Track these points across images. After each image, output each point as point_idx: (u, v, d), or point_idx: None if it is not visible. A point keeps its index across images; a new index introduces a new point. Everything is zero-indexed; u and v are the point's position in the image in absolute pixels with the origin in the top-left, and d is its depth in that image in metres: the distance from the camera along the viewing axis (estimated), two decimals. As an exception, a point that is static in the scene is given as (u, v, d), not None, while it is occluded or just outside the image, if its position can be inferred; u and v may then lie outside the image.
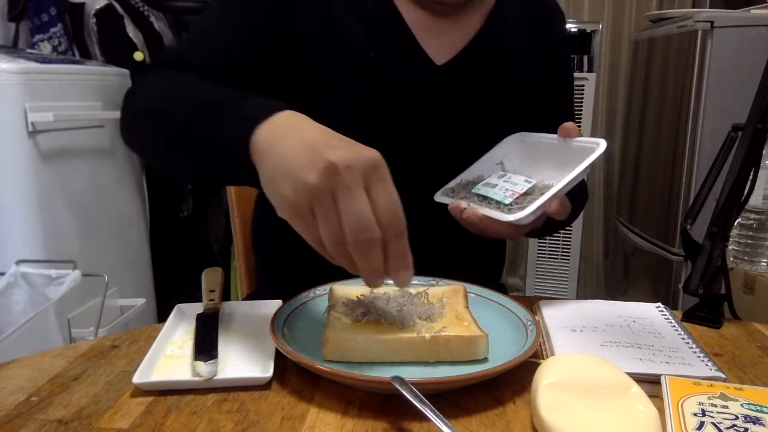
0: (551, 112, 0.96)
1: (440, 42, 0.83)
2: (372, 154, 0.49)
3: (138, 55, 1.99)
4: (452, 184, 0.79)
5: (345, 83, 0.79)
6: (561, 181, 0.67)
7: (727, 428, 0.46)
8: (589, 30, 2.07)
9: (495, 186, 0.72)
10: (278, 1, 0.77)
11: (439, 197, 0.77)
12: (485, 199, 0.71)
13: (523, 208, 0.66)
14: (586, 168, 0.68)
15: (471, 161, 0.83)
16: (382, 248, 0.49)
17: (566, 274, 2.26)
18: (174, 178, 0.89)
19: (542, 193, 0.68)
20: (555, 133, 0.99)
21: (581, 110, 2.10)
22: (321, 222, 0.48)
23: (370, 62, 0.79)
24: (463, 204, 0.71)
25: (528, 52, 0.89)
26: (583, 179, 0.76)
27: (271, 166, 0.53)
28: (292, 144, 0.51)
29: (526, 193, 0.69)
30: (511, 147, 0.82)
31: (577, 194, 0.79)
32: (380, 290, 0.67)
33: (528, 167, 0.78)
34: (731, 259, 1.01)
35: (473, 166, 0.81)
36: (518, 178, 0.72)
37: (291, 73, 0.79)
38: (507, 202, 0.68)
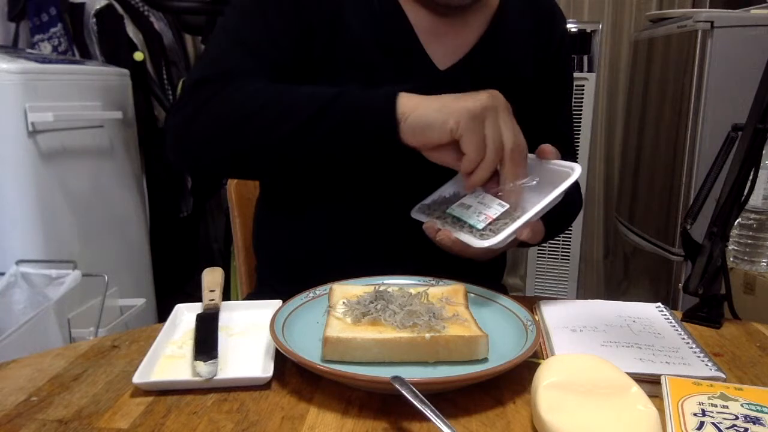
0: (550, 113, 0.96)
1: (444, 46, 0.83)
2: (501, 96, 0.70)
3: (138, 55, 1.99)
4: (429, 200, 0.79)
5: (348, 84, 0.79)
6: (532, 209, 0.69)
7: (727, 428, 0.46)
8: (589, 30, 2.06)
9: (469, 207, 0.73)
10: (287, 11, 0.78)
11: (416, 213, 0.77)
12: (459, 221, 0.72)
13: (495, 233, 0.68)
14: (560, 194, 0.69)
15: None
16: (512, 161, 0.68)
17: (566, 274, 2.26)
18: (255, 173, 0.91)
19: (513, 218, 0.69)
20: (551, 136, 0.99)
21: (581, 110, 2.10)
22: (491, 131, 0.67)
23: (374, 65, 0.79)
24: (438, 224, 0.72)
25: (529, 53, 0.89)
26: (577, 182, 0.76)
27: (432, 105, 0.68)
28: (435, 99, 0.69)
29: (498, 218, 0.70)
30: None
31: (569, 201, 0.79)
32: (380, 287, 0.67)
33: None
34: (731, 259, 1.01)
35: (451, 181, 0.80)
36: (492, 201, 0.73)
37: (303, 69, 0.79)
38: (480, 227, 0.69)
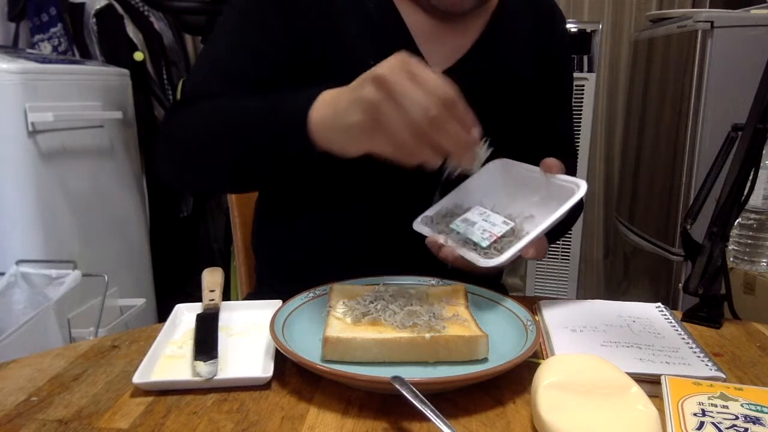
0: (551, 114, 0.96)
1: (442, 48, 0.82)
2: (398, 56, 0.56)
3: (138, 55, 1.99)
4: (431, 212, 0.79)
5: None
6: (538, 227, 0.68)
7: (727, 428, 0.46)
8: (589, 30, 2.06)
9: (474, 224, 0.73)
10: (282, 8, 0.78)
11: (418, 226, 0.77)
12: (463, 237, 0.72)
13: (499, 251, 0.68)
14: (565, 212, 0.69)
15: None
16: (449, 120, 0.55)
17: (566, 274, 2.26)
18: (231, 188, 0.98)
19: (518, 237, 0.69)
20: (552, 137, 0.99)
21: (581, 110, 2.10)
22: (394, 123, 0.55)
23: (370, 68, 0.79)
24: (441, 239, 0.72)
25: (528, 53, 0.89)
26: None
27: (329, 114, 0.61)
28: (341, 96, 0.61)
29: (503, 236, 0.70)
30: (492, 176, 0.81)
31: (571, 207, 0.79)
32: (380, 287, 0.67)
33: (509, 200, 0.78)
34: (731, 259, 1.01)
35: (453, 192, 0.80)
36: (497, 218, 0.73)
37: (297, 75, 0.79)
38: (484, 245, 0.70)
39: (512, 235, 0.70)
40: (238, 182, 0.81)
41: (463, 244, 0.71)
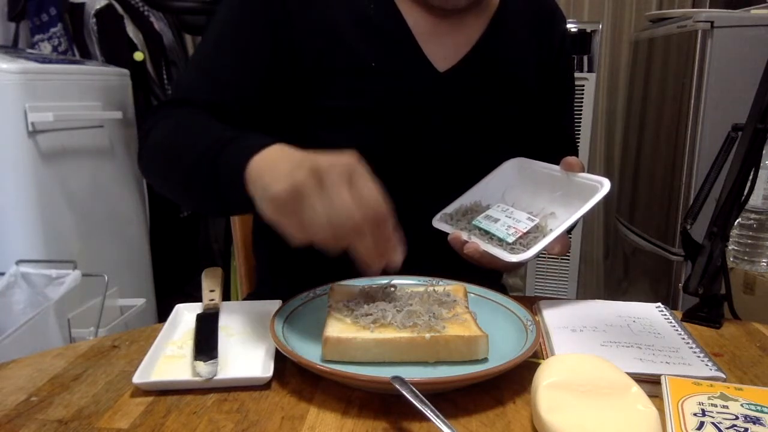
0: (552, 114, 0.96)
1: (443, 47, 0.82)
2: (351, 157, 0.54)
3: (138, 55, 1.99)
4: (450, 209, 0.79)
5: (346, 91, 0.79)
6: (564, 222, 0.69)
7: (727, 428, 0.46)
8: (589, 30, 2.06)
9: (497, 221, 0.73)
10: (274, 14, 0.77)
11: (438, 223, 0.77)
12: (486, 234, 0.72)
13: (524, 247, 0.68)
14: (590, 209, 0.69)
15: (473, 166, 0.82)
16: (371, 234, 0.54)
17: (566, 274, 2.26)
18: (186, 207, 0.98)
19: (543, 233, 0.69)
20: (554, 136, 0.99)
21: (581, 110, 2.10)
22: (312, 211, 0.52)
23: (372, 70, 0.79)
24: (464, 236, 0.72)
25: (529, 54, 0.89)
26: None
27: (262, 180, 0.57)
28: (281, 162, 0.57)
29: (528, 232, 0.70)
30: (510, 174, 0.81)
31: None
32: (381, 281, 0.67)
33: (529, 197, 0.78)
34: (731, 259, 1.01)
35: (471, 190, 0.80)
36: (521, 215, 0.72)
37: (294, 82, 0.79)
38: (510, 240, 0.69)
39: (537, 231, 0.70)
40: (190, 202, 0.82)
41: (488, 240, 0.71)
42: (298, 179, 0.52)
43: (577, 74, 2.01)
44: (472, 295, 0.70)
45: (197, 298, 0.72)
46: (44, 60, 1.61)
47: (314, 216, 0.52)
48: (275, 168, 0.57)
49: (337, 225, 0.52)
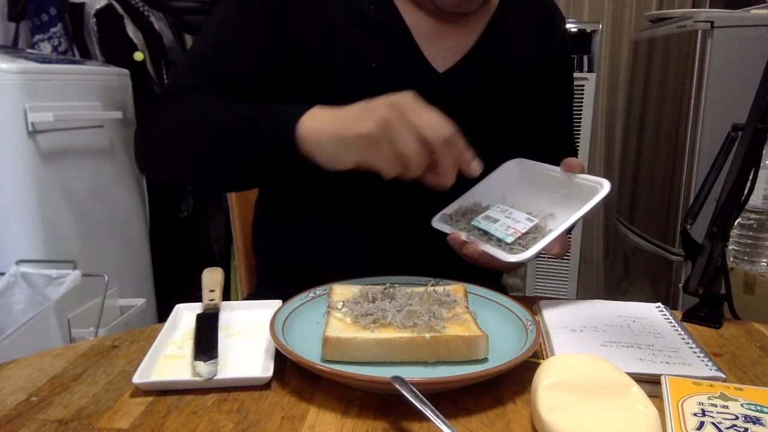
0: (552, 114, 0.96)
1: (443, 47, 0.82)
2: (409, 94, 0.61)
3: (138, 55, 1.99)
4: (450, 209, 0.79)
5: (346, 91, 0.79)
6: (563, 223, 0.68)
7: (727, 428, 0.46)
8: (589, 30, 2.06)
9: (496, 221, 0.73)
10: (273, 15, 0.77)
11: (437, 224, 0.77)
12: (485, 234, 0.72)
13: (523, 247, 0.68)
14: (590, 210, 0.69)
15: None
16: (452, 150, 0.61)
17: (566, 274, 2.26)
18: (199, 183, 1.02)
19: (542, 233, 0.69)
20: (554, 136, 0.99)
21: (581, 110, 2.10)
22: (401, 143, 0.58)
23: (371, 70, 0.79)
24: (463, 236, 0.72)
25: (529, 54, 0.89)
26: None
27: (332, 125, 0.63)
28: (343, 112, 0.63)
29: (527, 232, 0.70)
30: (510, 175, 0.81)
31: None
32: (380, 287, 0.67)
33: (529, 198, 0.78)
34: (731, 259, 1.01)
35: (471, 190, 0.80)
36: (520, 215, 0.73)
37: (294, 82, 0.79)
38: (509, 241, 0.69)
39: (536, 231, 0.70)
40: (217, 182, 0.83)
41: (487, 240, 0.71)
42: (382, 115, 0.59)
43: (577, 74, 2.01)
44: (472, 295, 0.70)
45: (197, 298, 0.72)
46: (44, 60, 1.61)
47: (405, 145, 0.58)
48: (345, 116, 0.63)
49: (437, 141, 0.59)
